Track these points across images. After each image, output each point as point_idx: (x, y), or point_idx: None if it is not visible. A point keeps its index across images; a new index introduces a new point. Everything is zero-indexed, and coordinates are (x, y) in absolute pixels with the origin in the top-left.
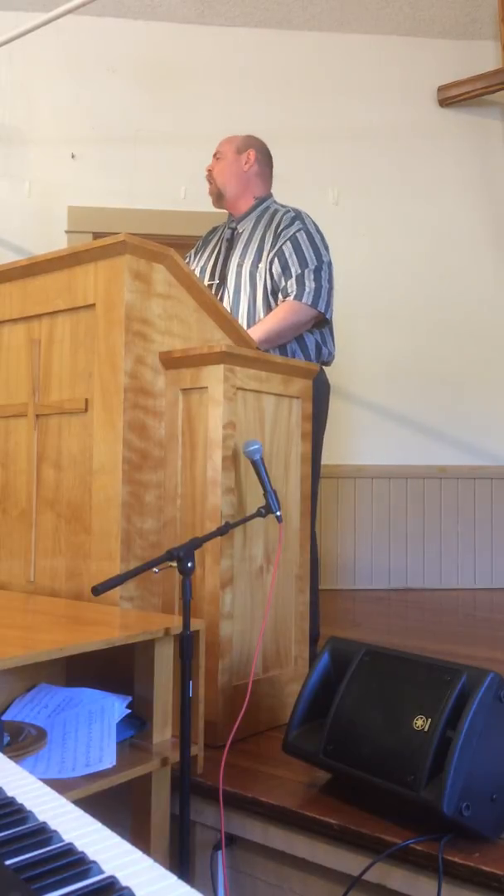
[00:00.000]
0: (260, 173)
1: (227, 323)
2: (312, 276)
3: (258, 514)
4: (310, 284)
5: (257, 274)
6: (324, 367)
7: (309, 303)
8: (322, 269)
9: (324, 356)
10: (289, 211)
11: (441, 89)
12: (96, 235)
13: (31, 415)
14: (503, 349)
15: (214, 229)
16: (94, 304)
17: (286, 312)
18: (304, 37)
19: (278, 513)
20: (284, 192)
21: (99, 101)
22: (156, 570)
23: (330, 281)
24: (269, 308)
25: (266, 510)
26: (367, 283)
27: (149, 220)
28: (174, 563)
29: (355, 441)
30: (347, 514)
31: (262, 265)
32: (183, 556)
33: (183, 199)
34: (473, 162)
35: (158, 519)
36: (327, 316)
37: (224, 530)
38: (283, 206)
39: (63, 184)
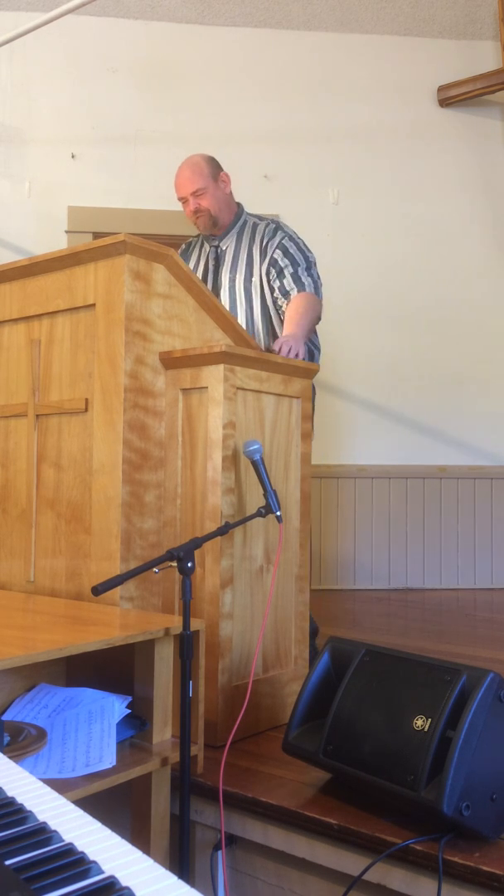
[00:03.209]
0: (231, 189)
1: (227, 323)
2: (306, 273)
3: (258, 514)
4: (306, 279)
5: (252, 288)
6: None
7: (314, 292)
8: (311, 268)
9: (315, 359)
10: (269, 223)
11: (441, 89)
12: (96, 235)
13: (31, 415)
14: (503, 349)
15: (189, 245)
16: (94, 304)
17: (307, 301)
18: (304, 37)
19: (278, 513)
20: (285, 192)
21: (99, 101)
22: (156, 570)
23: (319, 278)
24: (268, 319)
25: (266, 510)
26: (366, 283)
27: (149, 220)
28: (174, 563)
29: (355, 441)
30: (347, 514)
31: (255, 279)
32: (183, 556)
33: None
34: (473, 162)
35: (158, 519)
36: (321, 310)
37: (224, 530)
38: (258, 217)
39: (63, 184)
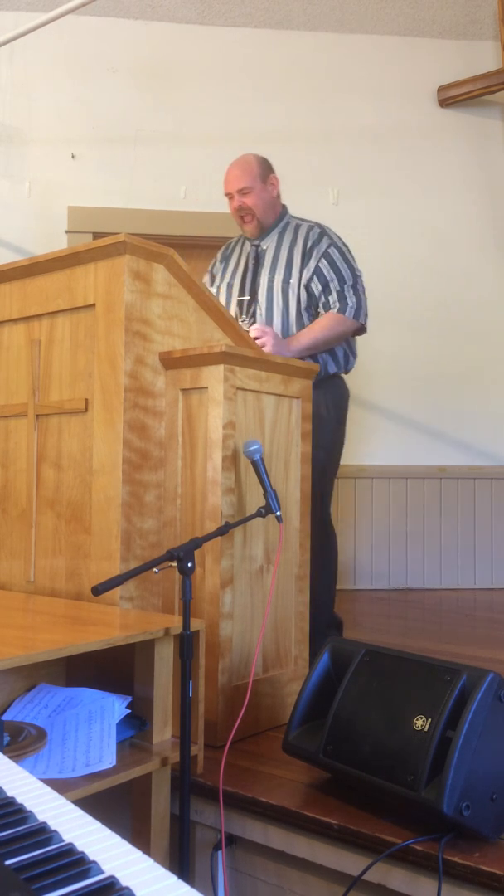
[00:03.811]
0: (279, 192)
1: (227, 323)
2: (352, 291)
3: (258, 514)
4: (351, 299)
5: (289, 290)
6: (344, 373)
7: (352, 317)
8: (357, 284)
9: (350, 364)
10: (313, 227)
11: (441, 89)
12: (96, 235)
13: (31, 415)
14: (503, 349)
15: (228, 245)
16: (94, 304)
17: (331, 322)
18: (304, 37)
19: (278, 513)
20: (285, 192)
21: (99, 101)
22: (156, 570)
23: (363, 292)
24: (302, 322)
25: (266, 510)
26: (366, 283)
27: (149, 220)
28: (174, 563)
29: (355, 441)
30: (347, 515)
31: (293, 281)
32: (183, 556)
33: (183, 199)
34: (473, 162)
35: (158, 519)
36: (365, 325)
37: (224, 530)
38: (300, 219)
39: (63, 184)
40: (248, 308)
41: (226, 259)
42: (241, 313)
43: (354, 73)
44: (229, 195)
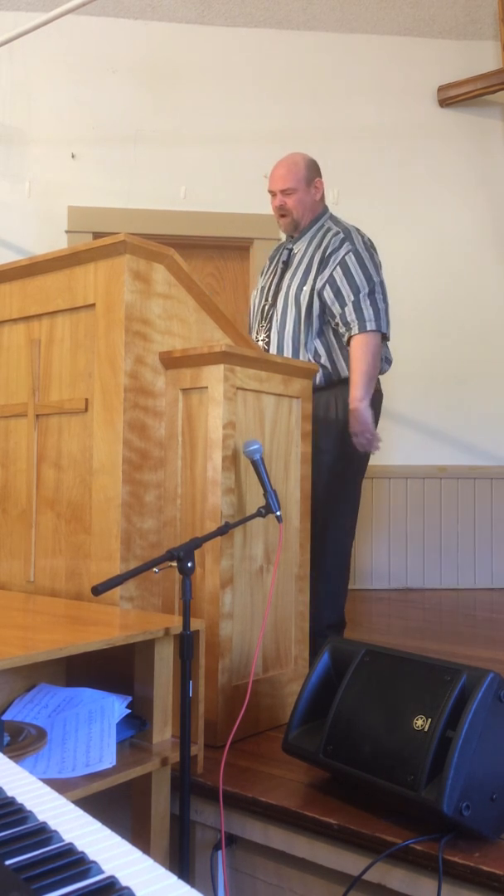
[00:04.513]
0: (323, 195)
1: (227, 323)
2: (367, 301)
3: (258, 514)
4: (367, 310)
5: (301, 296)
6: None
7: (373, 329)
8: (375, 292)
9: (383, 368)
10: (338, 232)
11: (441, 89)
12: (96, 235)
13: (31, 415)
14: (503, 349)
15: (280, 246)
16: (94, 304)
17: (360, 348)
18: (304, 37)
19: (278, 513)
20: None
21: (99, 101)
22: (156, 570)
23: (385, 300)
24: (310, 328)
25: (266, 510)
26: None
27: (149, 220)
28: (174, 563)
29: None
30: None
31: (306, 288)
32: (183, 556)
33: (183, 199)
34: (473, 162)
35: (158, 519)
36: (387, 333)
37: (224, 530)
38: (335, 223)
39: (63, 184)
40: (267, 314)
41: (270, 261)
42: (262, 320)
43: (354, 73)
44: (272, 192)
